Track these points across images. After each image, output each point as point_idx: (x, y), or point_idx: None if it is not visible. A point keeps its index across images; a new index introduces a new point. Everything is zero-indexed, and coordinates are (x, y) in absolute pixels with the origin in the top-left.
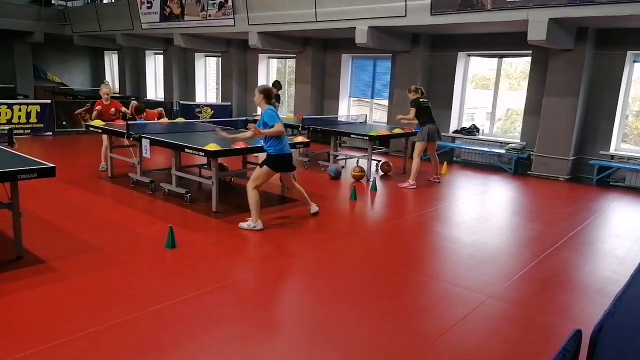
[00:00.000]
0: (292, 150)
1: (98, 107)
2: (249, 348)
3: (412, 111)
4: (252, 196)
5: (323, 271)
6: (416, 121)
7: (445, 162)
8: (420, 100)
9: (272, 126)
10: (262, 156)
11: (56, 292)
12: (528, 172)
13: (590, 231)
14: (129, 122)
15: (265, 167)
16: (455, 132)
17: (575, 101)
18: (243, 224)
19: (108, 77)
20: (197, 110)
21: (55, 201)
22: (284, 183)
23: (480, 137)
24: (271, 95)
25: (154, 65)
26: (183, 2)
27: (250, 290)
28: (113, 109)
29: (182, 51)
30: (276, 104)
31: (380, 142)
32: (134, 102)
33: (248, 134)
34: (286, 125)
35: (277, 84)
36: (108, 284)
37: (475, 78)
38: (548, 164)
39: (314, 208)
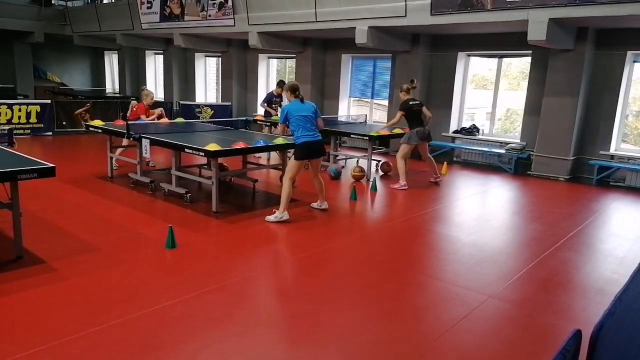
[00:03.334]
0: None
1: (141, 112)
2: (249, 348)
3: (398, 115)
4: (286, 187)
5: (323, 271)
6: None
7: (445, 162)
8: (410, 103)
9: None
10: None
11: (56, 292)
12: (528, 172)
13: (590, 231)
14: (128, 122)
15: (293, 157)
16: (455, 132)
17: (575, 101)
18: (270, 217)
19: (108, 77)
20: (197, 110)
21: (55, 201)
22: (311, 170)
23: (480, 137)
24: (296, 89)
25: (154, 65)
26: (183, 2)
27: (251, 290)
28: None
29: (182, 51)
30: (281, 102)
31: (380, 142)
32: (134, 102)
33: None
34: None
35: (282, 84)
36: (108, 284)
37: (475, 78)
38: (548, 164)
39: (324, 205)
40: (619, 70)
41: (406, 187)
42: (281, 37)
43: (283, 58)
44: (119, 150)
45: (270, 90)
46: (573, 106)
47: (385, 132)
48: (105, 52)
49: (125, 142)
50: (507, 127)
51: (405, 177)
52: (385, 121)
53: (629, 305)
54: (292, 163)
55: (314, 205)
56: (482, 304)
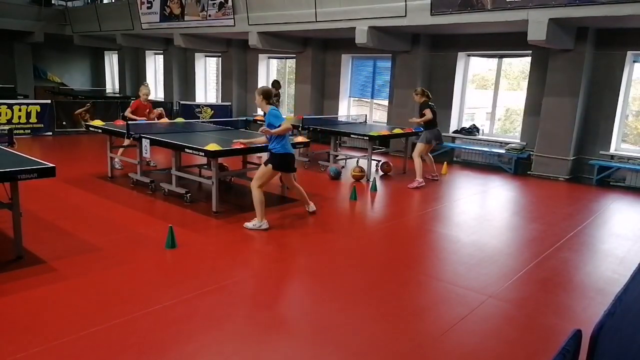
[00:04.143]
0: (293, 150)
1: (135, 107)
2: (248, 348)
3: (429, 112)
4: (257, 195)
5: (323, 271)
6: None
7: (445, 162)
8: (430, 104)
9: (279, 125)
10: (264, 156)
11: (56, 292)
12: (528, 172)
13: (591, 231)
14: (128, 122)
15: (270, 166)
16: (455, 132)
17: (575, 101)
18: (248, 224)
19: (108, 77)
20: (197, 110)
21: (55, 201)
22: (284, 182)
23: (480, 137)
24: (271, 95)
25: (154, 65)
26: (183, 2)
27: (250, 290)
28: (148, 110)
29: (182, 51)
30: (276, 103)
31: (380, 142)
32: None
33: (262, 139)
34: None
35: (277, 84)
36: (108, 284)
37: (475, 78)
38: (548, 164)
39: (312, 207)
40: (619, 70)
41: (423, 184)
42: (281, 37)
43: (283, 58)
44: (121, 150)
45: None
46: (573, 106)
47: (385, 132)
48: (105, 52)
49: (126, 141)
50: (507, 127)
51: (421, 174)
52: (386, 121)
53: (629, 305)
54: (266, 171)
55: (308, 210)
56: (482, 304)
